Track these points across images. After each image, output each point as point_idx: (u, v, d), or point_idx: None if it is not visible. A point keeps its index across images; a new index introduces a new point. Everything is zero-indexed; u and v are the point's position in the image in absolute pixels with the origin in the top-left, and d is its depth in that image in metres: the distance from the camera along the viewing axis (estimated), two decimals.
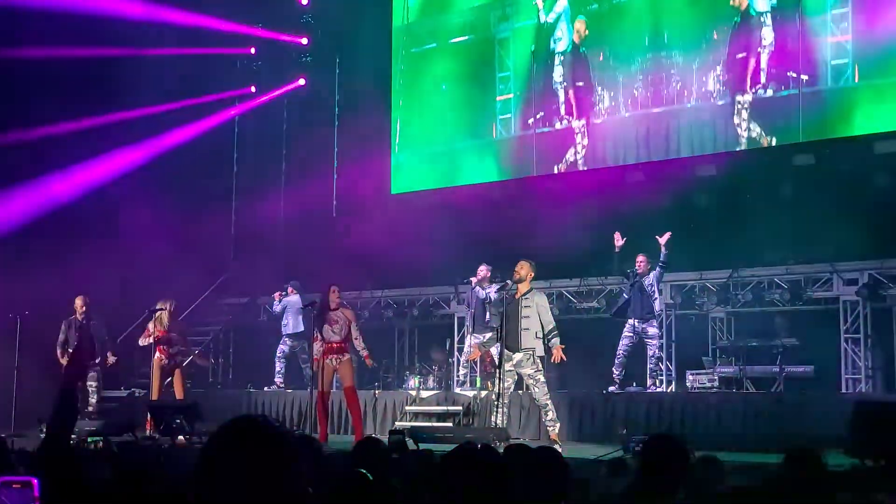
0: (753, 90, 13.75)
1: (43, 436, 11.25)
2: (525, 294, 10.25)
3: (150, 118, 16.35)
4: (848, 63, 13.16)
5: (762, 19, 13.71)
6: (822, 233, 12.88)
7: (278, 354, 14.75)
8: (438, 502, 2.53)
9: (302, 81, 18.62)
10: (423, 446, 8.86)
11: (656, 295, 12.26)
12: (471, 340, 12.89)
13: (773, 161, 13.75)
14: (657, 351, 12.44)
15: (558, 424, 10.33)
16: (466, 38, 16.85)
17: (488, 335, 11.36)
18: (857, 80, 13.14)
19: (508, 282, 10.53)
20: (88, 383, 13.27)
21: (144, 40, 16.34)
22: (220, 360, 17.36)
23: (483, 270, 12.81)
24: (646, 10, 14.89)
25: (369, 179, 17.24)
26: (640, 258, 12.23)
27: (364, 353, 11.31)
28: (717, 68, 13.97)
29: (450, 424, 12.39)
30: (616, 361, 12.24)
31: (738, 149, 13.87)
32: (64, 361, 12.75)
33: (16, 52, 14.18)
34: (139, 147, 16.59)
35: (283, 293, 14.76)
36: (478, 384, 13.40)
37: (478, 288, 12.89)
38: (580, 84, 15.32)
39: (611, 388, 12.04)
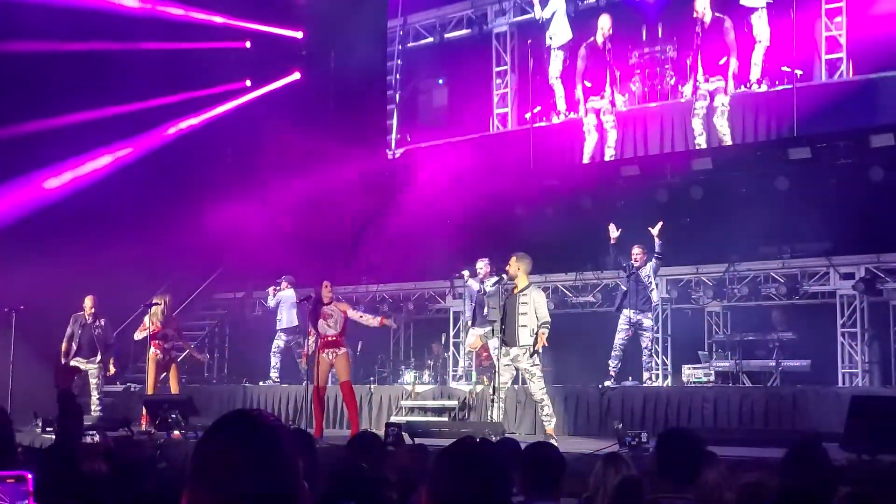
0: (748, 85, 13.78)
1: (39, 430, 11.29)
2: (523, 290, 10.23)
3: (144, 112, 16.28)
4: (842, 57, 13.19)
5: (757, 14, 13.72)
6: (819, 227, 12.89)
7: (273, 349, 14.73)
8: (434, 497, 2.51)
9: (297, 75, 18.57)
10: (418, 441, 8.85)
11: (653, 286, 12.27)
12: (473, 332, 12.92)
13: (769, 155, 13.75)
14: (650, 343, 12.45)
15: (554, 419, 10.31)
16: (463, 32, 16.85)
17: (487, 328, 11.39)
18: (851, 75, 13.16)
19: (503, 276, 10.52)
20: (91, 381, 13.26)
21: (138, 34, 16.26)
22: (215, 355, 17.32)
23: (484, 265, 12.80)
24: (639, 6, 14.90)
25: (364, 174, 17.21)
26: (637, 250, 12.23)
27: (380, 319, 11.52)
28: (713, 63, 13.97)
29: (445, 419, 12.38)
30: (613, 354, 12.22)
31: (733, 143, 13.88)
32: (65, 353, 12.92)
33: (8, 45, 14.13)
34: (133, 141, 16.55)
35: (278, 287, 14.72)
36: (473, 378, 13.39)
37: (471, 282, 12.89)
38: (578, 79, 15.33)
39: (606, 383, 12.04)
